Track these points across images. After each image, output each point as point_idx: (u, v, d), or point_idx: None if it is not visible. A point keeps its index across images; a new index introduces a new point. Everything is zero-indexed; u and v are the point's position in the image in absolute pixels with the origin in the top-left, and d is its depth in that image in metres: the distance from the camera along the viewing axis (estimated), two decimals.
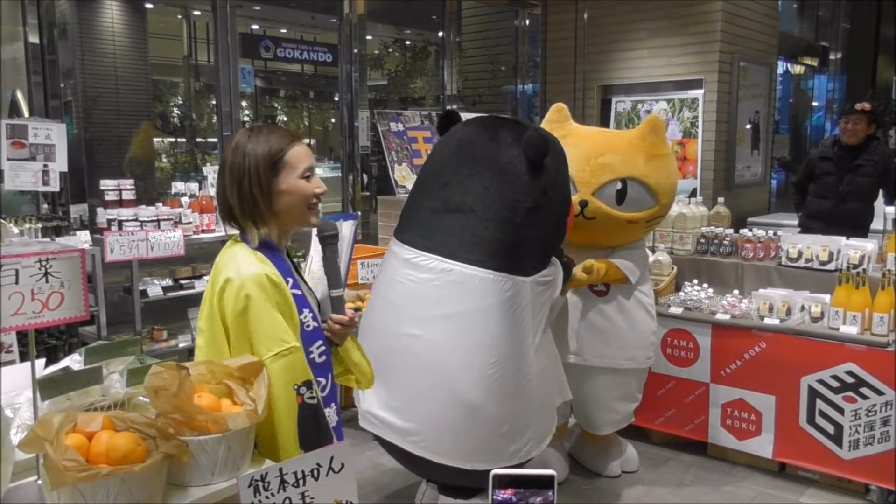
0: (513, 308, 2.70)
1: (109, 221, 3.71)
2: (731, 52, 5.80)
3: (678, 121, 5.89)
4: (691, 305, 3.92)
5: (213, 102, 9.65)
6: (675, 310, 3.93)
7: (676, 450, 4.02)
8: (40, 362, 1.91)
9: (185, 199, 4.14)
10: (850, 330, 3.46)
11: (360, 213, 5.73)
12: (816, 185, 4.93)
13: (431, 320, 2.71)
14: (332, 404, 1.84)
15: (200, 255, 4.26)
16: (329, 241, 1.91)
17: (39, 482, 1.50)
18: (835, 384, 3.48)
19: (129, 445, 1.39)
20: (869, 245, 3.79)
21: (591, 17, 6.44)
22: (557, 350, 3.37)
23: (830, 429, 3.51)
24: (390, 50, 10.65)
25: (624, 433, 3.89)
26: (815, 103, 10.16)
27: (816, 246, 3.90)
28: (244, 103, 10.03)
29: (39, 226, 3.61)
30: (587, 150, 3.29)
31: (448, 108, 6.65)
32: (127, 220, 3.69)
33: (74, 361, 1.78)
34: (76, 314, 1.51)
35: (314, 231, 1.94)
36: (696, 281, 4.12)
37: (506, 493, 1.10)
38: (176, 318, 4.27)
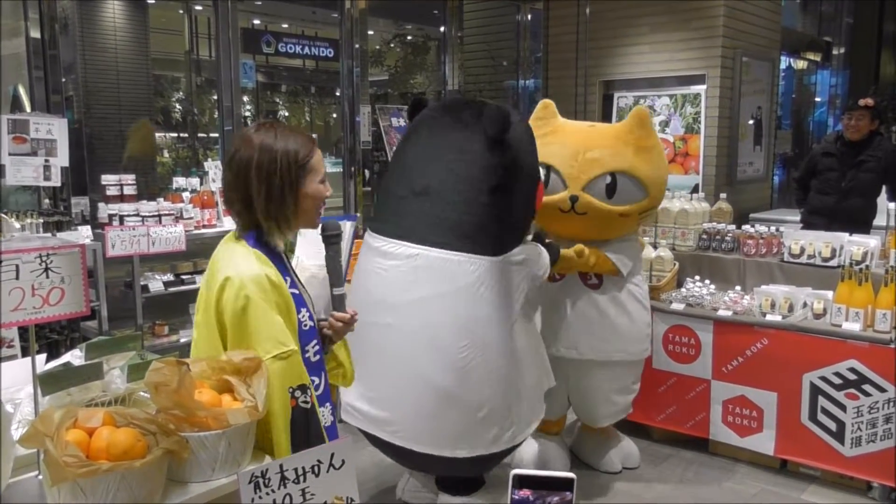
0: (482, 289, 2.68)
1: (111, 216, 3.70)
2: (734, 47, 5.78)
3: (680, 116, 5.88)
4: (693, 302, 3.91)
5: (215, 98, 9.65)
6: (677, 306, 3.92)
7: (677, 446, 4.02)
8: (41, 357, 1.90)
9: (186, 195, 4.13)
10: (853, 327, 3.45)
11: (359, 213, 5.72)
12: (819, 181, 4.92)
13: (402, 307, 2.70)
14: (327, 403, 1.84)
15: (202, 251, 4.25)
16: (333, 241, 1.92)
17: (40, 478, 1.50)
18: (837, 381, 3.47)
19: (129, 441, 1.39)
20: (872, 241, 3.79)
21: (593, 12, 6.41)
22: (552, 343, 3.37)
23: (832, 426, 3.51)
24: (391, 45, 10.63)
25: (625, 429, 3.89)
26: (817, 99, 10.13)
27: (819, 242, 3.89)
28: (245, 98, 10.00)
29: (41, 221, 3.60)
30: (575, 145, 3.29)
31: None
32: (128, 216, 3.69)
33: (75, 357, 1.78)
34: (76, 310, 1.51)
35: (302, 230, 1.92)
36: (697, 277, 4.11)
37: (524, 493, 1.12)
38: (177, 313, 4.26)
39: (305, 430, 1.70)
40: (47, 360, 1.94)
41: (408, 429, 2.72)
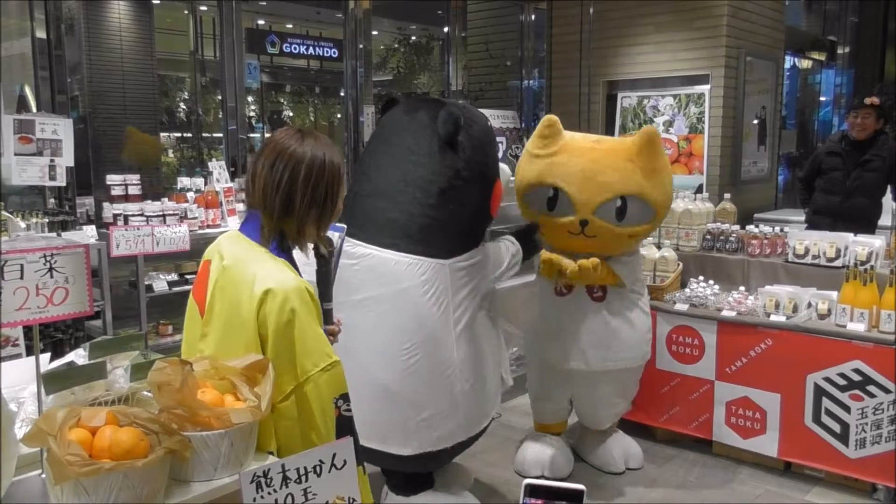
0: (428, 292, 2.70)
1: (115, 216, 3.72)
2: (738, 46, 5.77)
3: (684, 116, 5.87)
4: (697, 302, 3.91)
5: (219, 97, 9.66)
6: (681, 306, 3.92)
7: (681, 447, 4.01)
8: (45, 356, 1.91)
9: (190, 195, 4.14)
10: (858, 327, 3.44)
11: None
12: (823, 181, 4.91)
13: (351, 306, 2.71)
14: None
15: (205, 250, 4.27)
16: (331, 255, 1.93)
17: (43, 476, 1.50)
18: (841, 382, 3.46)
19: (132, 440, 1.40)
20: (877, 241, 3.78)
21: (596, 11, 6.41)
22: (562, 357, 3.39)
23: (837, 427, 3.50)
24: (396, 45, 10.64)
25: (627, 430, 3.89)
26: (822, 98, 10.10)
27: (823, 242, 3.88)
28: (250, 98, 10.03)
29: (46, 220, 3.61)
30: (583, 167, 3.20)
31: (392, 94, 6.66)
32: (133, 215, 3.70)
33: (79, 356, 1.79)
34: (80, 309, 1.51)
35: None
36: (701, 277, 4.11)
37: (535, 502, 1.15)
38: (181, 313, 4.24)
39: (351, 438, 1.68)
40: (51, 360, 1.95)
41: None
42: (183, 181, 4.34)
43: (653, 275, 4.13)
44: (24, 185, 3.86)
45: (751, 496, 3.54)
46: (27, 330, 3.16)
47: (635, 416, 3.99)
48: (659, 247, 4.29)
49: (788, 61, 8.48)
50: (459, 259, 2.78)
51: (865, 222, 4.68)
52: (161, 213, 3.76)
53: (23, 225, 3.47)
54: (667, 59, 5.97)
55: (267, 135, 11.18)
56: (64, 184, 3.69)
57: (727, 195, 4.59)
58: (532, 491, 1.15)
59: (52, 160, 3.55)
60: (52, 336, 3.55)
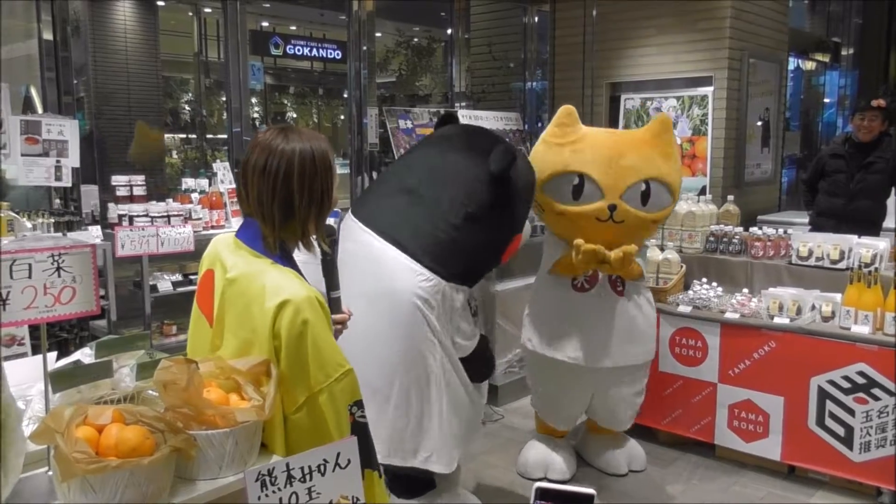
0: (423, 305, 2.70)
1: (120, 216, 3.73)
2: (741, 48, 5.77)
3: (688, 118, 5.87)
4: (700, 304, 3.91)
5: (223, 99, 9.66)
6: (684, 308, 3.92)
7: (684, 450, 4.02)
8: (52, 355, 1.92)
9: (194, 196, 4.15)
10: (862, 329, 3.44)
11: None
12: (827, 183, 4.91)
13: (350, 300, 2.73)
14: None
15: (203, 257, 4.29)
16: (332, 244, 1.92)
17: (50, 473, 1.51)
18: (845, 385, 3.46)
19: (137, 439, 1.41)
20: (881, 243, 3.78)
21: (599, 14, 6.41)
22: (586, 354, 3.38)
23: (841, 431, 3.49)
24: (398, 47, 10.65)
25: (630, 432, 3.89)
26: (826, 99, 10.09)
27: (827, 244, 3.88)
28: (254, 100, 10.06)
29: (52, 220, 3.63)
30: (606, 153, 3.23)
31: (450, 108, 6.65)
32: (138, 216, 3.71)
33: (85, 355, 1.80)
34: (87, 308, 1.53)
35: None
36: (704, 280, 4.11)
37: None
38: (185, 313, 4.24)
39: (365, 444, 1.67)
40: (58, 358, 1.96)
41: None
42: (187, 182, 4.35)
43: (656, 277, 4.14)
44: (29, 186, 3.88)
45: (754, 499, 3.54)
46: (33, 329, 3.18)
47: (638, 419, 3.98)
48: (662, 249, 4.29)
49: (792, 63, 8.47)
50: (455, 286, 2.79)
51: (869, 224, 4.67)
52: (166, 214, 3.77)
53: (29, 225, 3.49)
54: (670, 60, 5.98)
55: None
56: (70, 184, 3.72)
57: (730, 197, 4.59)
58: (542, 494, 1.16)
59: (58, 161, 3.58)
60: (57, 335, 3.57)
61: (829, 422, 3.52)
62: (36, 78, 5.09)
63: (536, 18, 7.29)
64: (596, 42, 6.43)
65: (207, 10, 10.70)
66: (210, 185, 4.31)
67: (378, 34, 6.42)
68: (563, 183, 3.26)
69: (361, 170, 5.85)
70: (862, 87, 9.43)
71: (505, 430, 4.26)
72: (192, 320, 1.89)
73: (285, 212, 1.69)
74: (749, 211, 5.70)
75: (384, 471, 2.99)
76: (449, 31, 7.16)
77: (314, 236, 1.76)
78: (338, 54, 9.55)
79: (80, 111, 4.55)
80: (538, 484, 1.17)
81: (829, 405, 3.51)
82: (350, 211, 2.97)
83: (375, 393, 2.71)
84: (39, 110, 5.22)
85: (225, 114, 5.56)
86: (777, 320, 3.65)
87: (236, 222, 4.15)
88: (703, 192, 5.53)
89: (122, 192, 3.86)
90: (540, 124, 7.36)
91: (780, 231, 4.14)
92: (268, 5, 9.69)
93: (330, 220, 1.95)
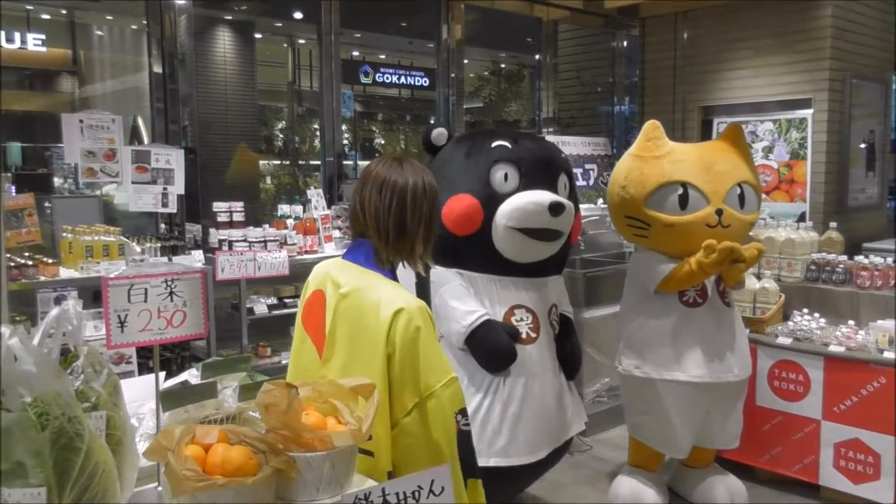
0: None
1: (220, 242, 3.89)
2: (842, 69, 5.55)
3: (785, 142, 5.67)
4: (801, 336, 3.74)
5: (315, 126, 9.97)
6: (784, 340, 3.76)
7: (784, 490, 3.81)
8: (160, 375, 2.01)
9: (289, 221, 4.30)
10: None
11: None
12: None
13: None
14: None
15: (303, 275, 4.39)
16: (427, 270, 2.07)
17: (160, 489, 1.58)
18: None
19: (242, 458, 1.45)
20: None
21: (690, 37, 6.30)
22: (706, 372, 3.31)
23: None
24: (486, 74, 10.75)
25: (726, 469, 3.73)
26: None
27: None
28: (343, 127, 10.35)
29: (158, 245, 3.83)
30: (702, 160, 3.32)
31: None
32: (237, 241, 3.86)
33: (192, 376, 1.88)
34: (196, 331, 1.60)
35: None
36: (806, 310, 3.93)
37: None
38: (279, 336, 4.42)
39: (469, 451, 1.77)
40: (165, 378, 2.05)
41: None
42: (283, 208, 4.51)
43: (752, 306, 3.99)
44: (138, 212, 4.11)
45: None
46: (139, 349, 3.35)
47: (733, 455, 3.82)
48: (759, 277, 4.14)
49: None
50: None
51: None
52: (262, 239, 3.92)
53: (138, 249, 3.68)
54: (766, 83, 5.80)
55: (360, 162, 11.48)
56: (175, 210, 3.91)
57: (833, 224, 4.40)
58: None
59: (164, 188, 3.78)
60: (162, 355, 3.73)
61: None
62: (143, 108, 5.39)
63: (625, 42, 7.24)
64: (687, 65, 6.32)
65: (301, 41, 11.13)
66: (304, 211, 4.45)
67: (465, 61, 6.51)
68: (667, 194, 3.25)
69: None
70: None
71: (594, 461, 4.17)
72: (296, 341, 1.97)
73: (399, 227, 1.81)
74: (853, 238, 5.42)
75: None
76: (537, 57, 7.19)
77: (422, 257, 1.87)
78: (425, 81, 9.73)
79: (183, 139, 4.80)
80: None
81: None
82: None
83: None
84: (146, 139, 5.53)
85: (317, 141, 5.75)
86: (887, 355, 3.45)
87: (329, 247, 4.26)
88: (802, 218, 5.31)
89: (222, 217, 4.04)
90: (627, 147, 7.27)
91: (889, 260, 3.92)
92: (359, 35, 9.98)
93: None
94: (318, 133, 7.16)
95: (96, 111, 3.91)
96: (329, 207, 4.49)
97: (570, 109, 7.51)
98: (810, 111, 5.55)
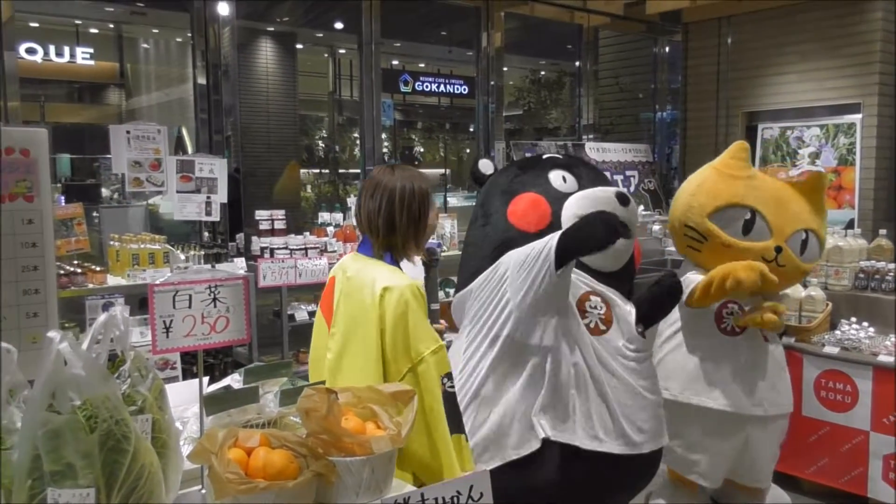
0: None
1: (262, 249, 3.95)
2: (893, 72, 5.42)
3: (832, 147, 5.55)
4: (849, 345, 3.65)
5: (355, 135, 10.07)
6: (831, 349, 3.67)
7: (832, 502, 3.73)
8: (205, 380, 2.05)
9: (329, 229, 4.34)
10: None
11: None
12: None
13: None
14: None
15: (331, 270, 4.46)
16: (434, 264, 2.33)
17: (203, 492, 1.61)
18: None
19: (283, 462, 1.47)
20: None
21: (734, 42, 6.22)
22: (738, 403, 3.22)
23: None
24: (528, 82, 10.74)
25: (772, 480, 3.66)
26: None
27: None
28: (383, 136, 10.44)
29: (202, 253, 3.91)
30: (777, 194, 3.24)
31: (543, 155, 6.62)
32: (278, 249, 3.92)
33: (234, 381, 1.91)
34: (239, 337, 1.63)
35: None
36: (854, 319, 3.84)
37: None
38: None
39: (453, 411, 2.00)
40: (208, 383, 2.09)
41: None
42: (323, 216, 4.56)
43: (798, 315, 3.91)
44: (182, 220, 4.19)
45: None
46: (184, 354, 3.42)
47: (779, 466, 3.72)
48: (805, 285, 4.05)
49: None
50: None
51: None
52: (303, 247, 3.96)
53: (182, 257, 3.76)
54: (812, 88, 5.69)
55: None
56: (219, 219, 3.98)
57: (883, 231, 4.28)
58: None
59: (208, 197, 3.85)
60: (205, 360, 3.80)
61: None
62: (188, 119, 5.51)
63: (667, 48, 7.17)
64: (731, 70, 6.23)
65: (342, 51, 11.26)
66: (344, 219, 4.49)
67: (505, 69, 6.52)
68: (734, 215, 3.20)
69: None
70: None
71: None
72: (315, 323, 2.24)
73: (388, 225, 2.06)
74: None
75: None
76: (577, 64, 7.16)
77: (413, 253, 2.13)
78: (465, 89, 9.76)
79: (227, 149, 4.89)
80: None
81: None
82: None
83: None
84: (190, 149, 5.65)
85: (357, 150, 5.80)
86: None
87: None
88: (850, 225, 5.18)
89: (264, 225, 4.10)
90: (670, 155, 7.18)
91: None
92: (399, 44, 10.06)
93: (434, 245, 2.40)
94: (358, 142, 7.23)
95: (142, 122, 4.01)
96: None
97: (611, 116, 7.46)
98: (859, 116, 5.43)
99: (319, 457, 1.53)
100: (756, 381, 3.22)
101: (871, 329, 3.78)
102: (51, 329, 1.32)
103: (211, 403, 1.68)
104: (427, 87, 9.98)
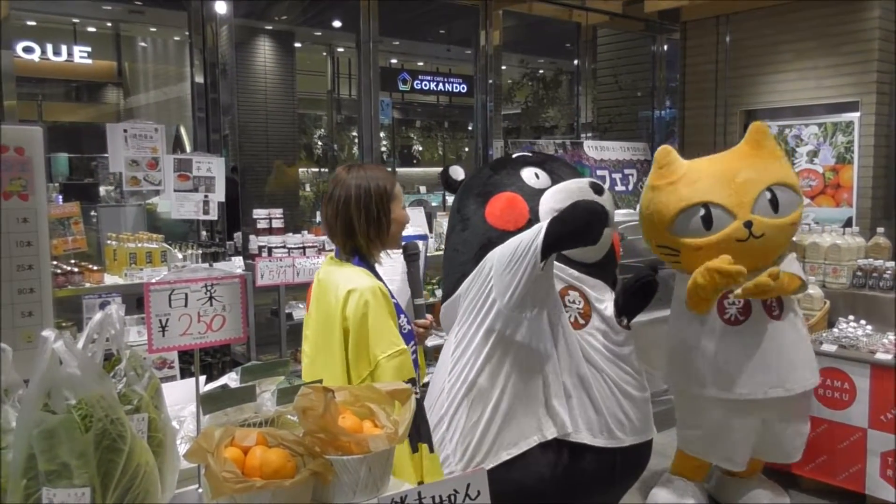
0: None
1: (260, 248, 3.95)
2: (891, 71, 5.42)
3: (831, 146, 5.55)
4: (847, 343, 3.65)
5: (354, 134, 10.05)
6: (828, 347, 3.67)
7: (830, 499, 3.73)
8: (201, 378, 2.05)
9: None
10: None
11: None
12: None
13: None
14: None
15: None
16: (413, 259, 2.27)
17: (200, 490, 1.61)
18: None
19: (280, 461, 1.47)
20: None
21: (733, 40, 6.22)
22: (755, 386, 3.22)
23: None
24: (523, 80, 10.73)
25: (768, 477, 3.66)
26: None
27: None
28: (382, 134, 10.43)
29: (200, 252, 3.90)
30: (720, 174, 3.20)
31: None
32: (276, 247, 3.91)
33: (231, 380, 1.91)
34: (235, 336, 1.62)
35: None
36: (851, 317, 3.84)
37: None
38: None
39: (419, 417, 1.97)
40: (205, 382, 2.09)
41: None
42: (321, 215, 4.54)
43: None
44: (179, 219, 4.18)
45: None
46: (181, 353, 3.41)
47: (777, 463, 3.74)
48: None
49: None
50: None
51: None
52: (301, 245, 3.96)
53: (180, 256, 3.75)
54: (810, 86, 5.69)
55: (399, 169, 11.55)
56: (216, 218, 3.97)
57: (880, 229, 4.29)
58: None
59: (206, 196, 3.84)
60: (203, 360, 3.80)
61: None
62: (186, 118, 5.48)
63: (665, 47, 7.16)
64: (729, 69, 6.23)
65: (340, 49, 11.24)
66: None
67: (503, 67, 6.51)
68: (690, 218, 3.19)
69: None
70: None
71: None
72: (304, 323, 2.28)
73: (347, 228, 2.05)
74: None
75: None
76: (575, 62, 7.15)
77: (379, 251, 2.11)
78: (463, 88, 9.75)
79: (224, 148, 4.88)
80: None
81: None
82: None
83: None
84: (188, 148, 5.63)
85: (356, 148, 5.79)
86: None
87: None
88: (848, 223, 5.18)
89: (262, 224, 4.09)
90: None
91: None
92: (397, 43, 10.06)
93: (420, 242, 2.39)
94: (356, 140, 7.23)
95: (140, 121, 4.00)
96: None
97: (609, 114, 7.46)
98: (857, 114, 5.43)
99: (316, 455, 1.52)
100: (770, 363, 3.20)
101: (869, 327, 3.78)
102: (46, 328, 1.31)
103: (208, 402, 1.67)
104: (425, 85, 9.97)
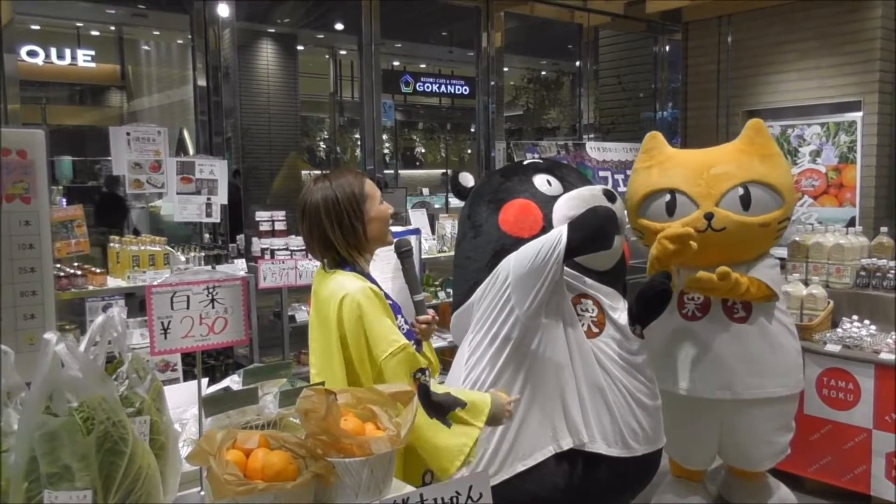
0: None
1: (263, 250, 3.95)
2: (894, 70, 5.41)
3: (833, 145, 5.54)
4: (851, 343, 3.64)
5: (356, 136, 10.07)
6: (832, 347, 3.66)
7: (835, 500, 3.72)
8: (203, 381, 2.05)
9: None
10: None
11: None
12: None
13: None
14: None
15: None
16: (406, 255, 2.23)
17: (202, 493, 1.61)
18: None
19: (282, 463, 1.47)
20: None
21: (735, 40, 6.21)
22: (704, 385, 3.20)
23: None
24: (526, 82, 10.74)
25: (775, 478, 3.65)
26: None
27: None
28: (384, 136, 10.44)
29: (202, 254, 3.90)
30: (696, 166, 3.21)
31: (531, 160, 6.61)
32: (279, 249, 3.91)
33: (234, 382, 1.91)
34: (237, 338, 1.62)
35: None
36: (855, 317, 3.83)
37: None
38: None
39: (425, 399, 1.95)
40: (208, 385, 2.09)
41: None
42: None
43: (800, 313, 3.90)
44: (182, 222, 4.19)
45: None
46: (184, 356, 3.41)
47: (782, 465, 3.72)
48: (807, 283, 4.04)
49: None
50: None
51: None
52: (304, 248, 3.95)
53: (183, 258, 3.76)
54: (813, 86, 5.69)
55: (401, 171, 11.54)
56: (219, 220, 3.98)
57: (884, 229, 4.27)
58: None
59: (208, 198, 3.85)
60: (205, 362, 3.81)
61: None
62: (189, 121, 5.49)
63: (667, 48, 7.16)
64: (731, 69, 6.23)
65: (342, 52, 11.27)
66: None
67: (505, 69, 6.51)
68: (655, 202, 3.24)
69: None
70: None
71: None
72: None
73: (324, 244, 2.03)
74: None
75: None
76: (577, 64, 7.15)
77: (365, 256, 2.08)
78: (466, 90, 9.76)
79: (227, 150, 4.89)
80: None
81: None
82: None
83: None
84: (191, 151, 5.64)
85: (358, 150, 5.80)
86: None
87: None
88: (851, 223, 5.18)
89: (264, 226, 4.10)
90: None
91: None
92: (399, 45, 10.07)
93: (412, 237, 2.35)
94: (359, 143, 7.24)
95: (143, 124, 4.01)
96: None
97: (612, 115, 7.46)
98: (860, 114, 5.42)
99: (318, 458, 1.52)
100: (724, 364, 3.17)
101: (873, 327, 3.77)
102: (48, 331, 1.31)
103: (210, 405, 1.67)
104: (428, 87, 9.99)
